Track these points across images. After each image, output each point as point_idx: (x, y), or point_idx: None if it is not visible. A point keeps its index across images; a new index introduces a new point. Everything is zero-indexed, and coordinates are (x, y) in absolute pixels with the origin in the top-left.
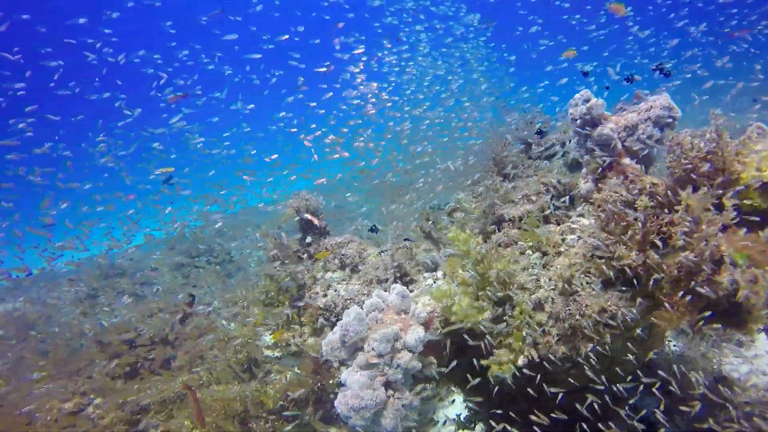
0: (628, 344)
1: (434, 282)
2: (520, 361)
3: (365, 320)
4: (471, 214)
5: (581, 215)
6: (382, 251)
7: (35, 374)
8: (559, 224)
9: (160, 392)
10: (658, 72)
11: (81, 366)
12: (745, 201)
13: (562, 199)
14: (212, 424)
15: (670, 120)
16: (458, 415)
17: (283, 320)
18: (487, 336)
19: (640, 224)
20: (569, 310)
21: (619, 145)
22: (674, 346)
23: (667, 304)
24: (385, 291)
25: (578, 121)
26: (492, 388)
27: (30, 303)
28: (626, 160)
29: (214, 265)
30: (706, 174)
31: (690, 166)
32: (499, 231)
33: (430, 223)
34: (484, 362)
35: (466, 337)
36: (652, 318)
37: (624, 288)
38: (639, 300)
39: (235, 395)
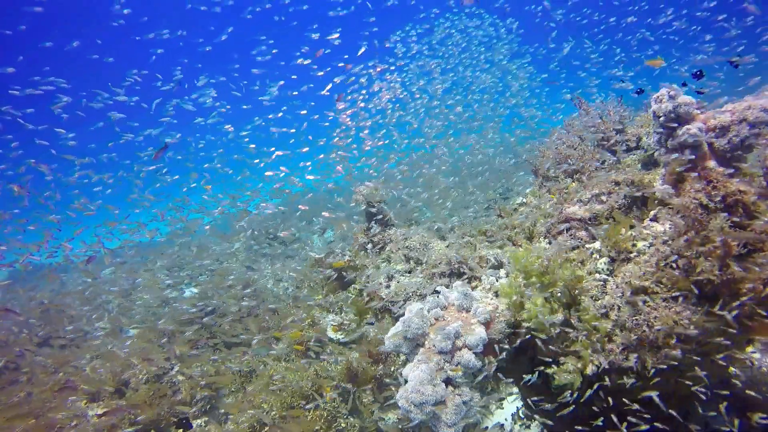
0: (700, 359)
1: (497, 280)
2: (589, 370)
3: (427, 316)
4: (539, 211)
5: (655, 219)
6: (447, 245)
7: (130, 330)
8: (631, 227)
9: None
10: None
11: (166, 332)
12: None
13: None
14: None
15: None
16: (518, 409)
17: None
18: (555, 339)
19: (720, 237)
20: (636, 320)
21: (705, 147)
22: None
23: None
24: (447, 287)
25: (662, 118)
26: (554, 393)
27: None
28: (711, 163)
29: (277, 248)
30: None
31: None
32: (568, 231)
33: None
34: (550, 370)
35: (535, 335)
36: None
37: (699, 301)
38: (717, 315)
39: (303, 376)
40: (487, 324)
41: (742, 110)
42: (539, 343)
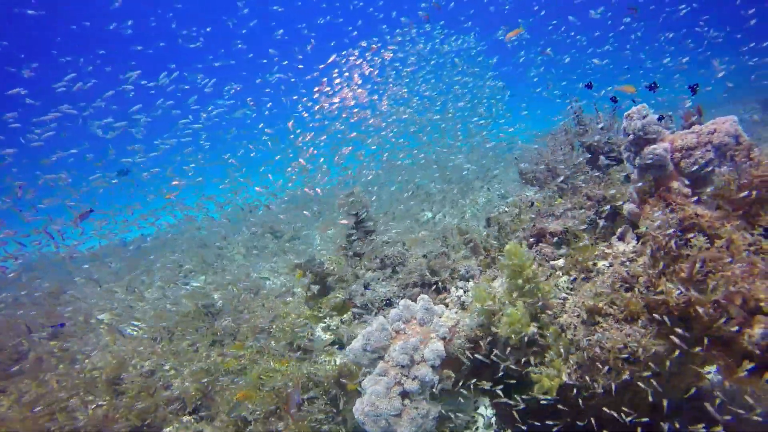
0: (652, 381)
1: (464, 293)
2: (563, 379)
3: (388, 330)
4: (518, 221)
5: (621, 237)
6: (424, 254)
7: (134, 322)
8: (598, 243)
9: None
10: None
11: (166, 326)
12: None
13: (603, 213)
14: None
15: (735, 148)
16: (489, 418)
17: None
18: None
19: (688, 262)
20: (589, 340)
21: (671, 167)
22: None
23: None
24: (417, 297)
25: (631, 137)
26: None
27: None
28: (675, 184)
29: (281, 243)
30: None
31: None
32: (538, 244)
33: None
34: (534, 376)
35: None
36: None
37: (651, 323)
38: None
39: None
40: (446, 339)
41: (707, 133)
42: (506, 353)
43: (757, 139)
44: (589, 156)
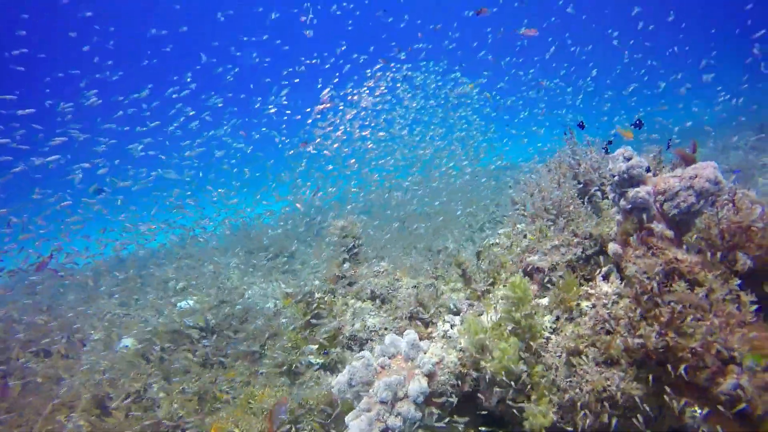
0: (634, 421)
1: (451, 327)
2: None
3: (373, 366)
4: (509, 254)
5: (606, 277)
6: (415, 285)
7: (124, 341)
8: (583, 282)
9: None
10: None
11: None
12: None
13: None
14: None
15: (716, 194)
16: None
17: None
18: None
19: (668, 307)
20: (570, 382)
21: (654, 210)
22: None
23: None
24: (404, 331)
25: (616, 178)
26: None
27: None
28: (658, 227)
29: (277, 262)
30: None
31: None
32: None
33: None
34: (528, 412)
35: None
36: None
37: (631, 367)
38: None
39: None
40: (430, 375)
41: (689, 178)
42: (492, 390)
43: (753, 167)
44: (581, 187)
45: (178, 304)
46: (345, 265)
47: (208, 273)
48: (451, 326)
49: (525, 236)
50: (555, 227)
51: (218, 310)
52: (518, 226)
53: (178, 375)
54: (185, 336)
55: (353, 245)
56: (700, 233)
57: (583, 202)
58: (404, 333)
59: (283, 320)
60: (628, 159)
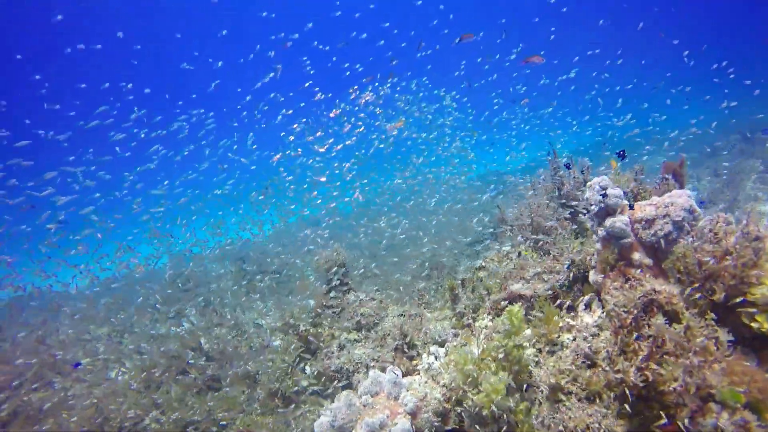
0: None
1: (435, 359)
2: None
3: (355, 405)
4: (495, 277)
5: (588, 305)
6: (401, 313)
7: (119, 373)
8: (564, 309)
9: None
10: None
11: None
12: (752, 322)
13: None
14: None
15: (690, 222)
16: None
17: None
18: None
19: (647, 342)
20: (554, 418)
21: (632, 238)
22: None
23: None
24: (388, 365)
25: (593, 207)
26: None
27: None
28: (636, 255)
29: (272, 281)
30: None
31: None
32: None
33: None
34: None
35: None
36: None
37: (613, 402)
38: (628, 419)
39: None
40: (413, 413)
41: (665, 206)
42: (477, 426)
43: (737, 172)
44: (564, 203)
45: (172, 329)
46: (331, 294)
47: (204, 295)
48: (436, 358)
49: (520, 254)
50: (539, 249)
51: (212, 333)
52: (504, 248)
53: (173, 405)
54: (180, 360)
55: (339, 274)
56: (677, 261)
57: (566, 219)
58: (387, 369)
59: (276, 342)
60: (604, 189)
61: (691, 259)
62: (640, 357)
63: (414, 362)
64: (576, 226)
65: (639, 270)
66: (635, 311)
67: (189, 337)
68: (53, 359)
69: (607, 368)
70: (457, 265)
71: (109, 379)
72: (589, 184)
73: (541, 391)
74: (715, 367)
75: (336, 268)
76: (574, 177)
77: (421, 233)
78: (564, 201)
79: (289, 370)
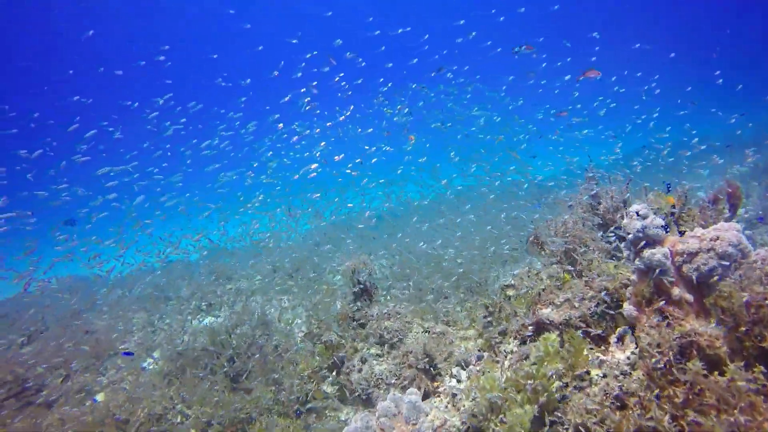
0: None
1: (458, 383)
2: None
3: (372, 427)
4: (524, 298)
5: (620, 339)
6: (425, 330)
7: (148, 362)
8: (596, 344)
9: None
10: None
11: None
12: None
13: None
14: None
15: (738, 259)
16: None
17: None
18: None
19: (684, 388)
20: None
21: (672, 271)
22: None
23: None
24: (409, 385)
25: (630, 236)
26: None
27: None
28: (676, 290)
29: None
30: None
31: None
32: (536, 336)
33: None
34: None
35: None
36: None
37: None
38: None
39: None
40: None
41: (710, 239)
42: None
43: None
44: (601, 223)
45: (205, 321)
46: (355, 306)
47: (233, 290)
48: (458, 381)
49: (541, 279)
50: (572, 270)
51: (239, 329)
52: (535, 266)
53: (197, 400)
54: (209, 354)
55: (364, 285)
56: (721, 299)
57: (602, 239)
58: (407, 392)
59: (301, 344)
60: (644, 217)
61: (737, 299)
62: (676, 404)
63: (436, 384)
64: (612, 246)
65: (678, 307)
66: (671, 353)
67: (217, 332)
68: (97, 346)
69: (639, 412)
70: (489, 280)
71: (142, 368)
72: (627, 210)
73: (566, 430)
74: (765, 428)
75: (363, 277)
76: (612, 196)
77: (457, 244)
78: (600, 220)
79: (313, 375)
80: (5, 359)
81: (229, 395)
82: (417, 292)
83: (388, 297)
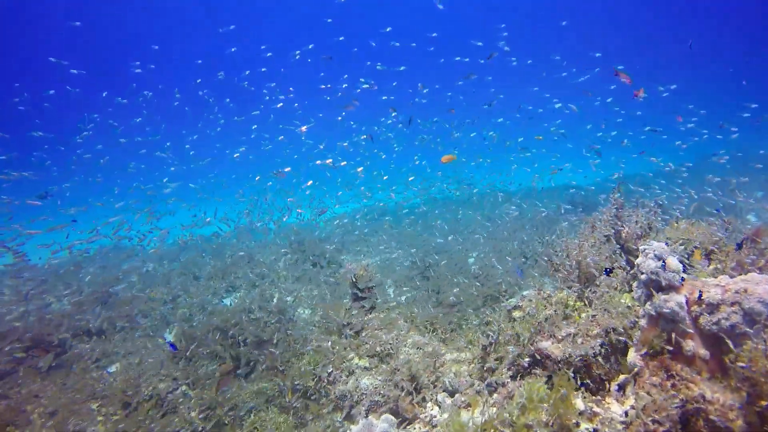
0: None
1: (439, 409)
2: None
3: None
4: (529, 323)
5: (621, 388)
6: (417, 347)
7: (167, 333)
8: (595, 387)
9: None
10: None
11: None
12: None
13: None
14: None
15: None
16: None
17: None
18: None
19: None
20: None
21: (687, 322)
22: None
23: None
24: (389, 403)
25: (644, 276)
26: None
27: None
28: (689, 344)
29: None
30: None
31: None
32: (531, 368)
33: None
34: None
35: None
36: None
37: None
38: None
39: None
40: None
41: (736, 291)
42: None
43: None
44: (620, 249)
45: (224, 302)
46: (353, 312)
47: (256, 273)
48: (440, 408)
49: (551, 304)
50: (583, 298)
51: (253, 315)
52: (544, 289)
53: (202, 383)
54: (221, 337)
55: (364, 292)
56: (741, 361)
57: (622, 268)
58: (381, 418)
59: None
60: (661, 258)
61: (761, 365)
62: None
63: (417, 408)
64: (629, 274)
65: (689, 365)
66: (669, 423)
67: (232, 314)
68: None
69: None
70: (498, 298)
71: (156, 345)
72: (644, 247)
73: None
74: None
75: (363, 282)
76: (636, 220)
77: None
78: (620, 247)
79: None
80: (41, 319)
81: (233, 381)
82: (434, 294)
83: (393, 302)
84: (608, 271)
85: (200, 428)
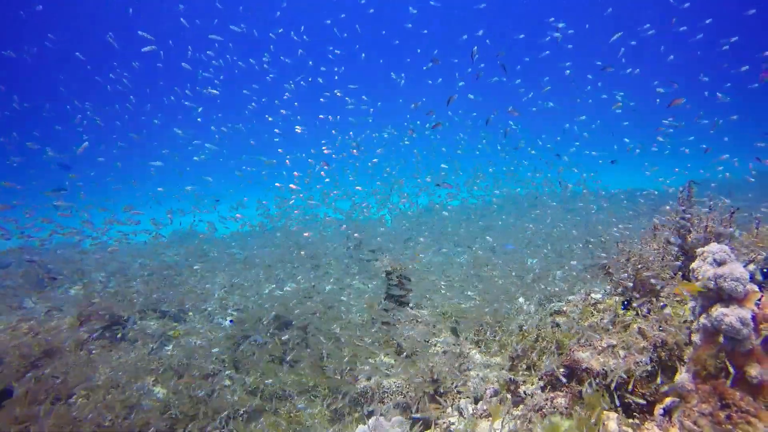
0: None
1: (459, 416)
2: None
3: None
4: (580, 325)
5: (667, 413)
6: (445, 351)
7: (227, 319)
8: (632, 411)
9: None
10: None
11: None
12: None
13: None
14: None
15: None
16: None
17: None
18: None
19: None
20: None
21: (754, 341)
22: None
23: None
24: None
25: (699, 284)
26: None
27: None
28: (755, 370)
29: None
30: None
31: None
32: (566, 382)
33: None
34: None
35: None
36: None
37: None
38: None
39: None
40: None
41: None
42: None
43: None
44: (685, 259)
45: (278, 291)
46: (384, 309)
47: (313, 266)
48: (461, 414)
49: (598, 311)
50: (635, 308)
51: (303, 303)
52: (592, 296)
53: (247, 369)
54: (269, 324)
55: (398, 288)
56: None
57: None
58: (392, 421)
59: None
60: (721, 263)
61: None
62: None
63: (440, 410)
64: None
65: (753, 395)
66: None
67: (284, 304)
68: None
69: None
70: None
71: (220, 325)
72: (701, 249)
73: None
74: None
75: (395, 278)
76: (707, 225)
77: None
78: (683, 255)
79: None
80: (106, 297)
81: (276, 368)
82: (485, 295)
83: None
84: (626, 305)
85: (242, 411)
